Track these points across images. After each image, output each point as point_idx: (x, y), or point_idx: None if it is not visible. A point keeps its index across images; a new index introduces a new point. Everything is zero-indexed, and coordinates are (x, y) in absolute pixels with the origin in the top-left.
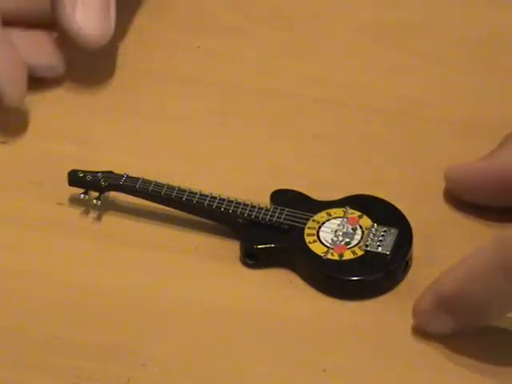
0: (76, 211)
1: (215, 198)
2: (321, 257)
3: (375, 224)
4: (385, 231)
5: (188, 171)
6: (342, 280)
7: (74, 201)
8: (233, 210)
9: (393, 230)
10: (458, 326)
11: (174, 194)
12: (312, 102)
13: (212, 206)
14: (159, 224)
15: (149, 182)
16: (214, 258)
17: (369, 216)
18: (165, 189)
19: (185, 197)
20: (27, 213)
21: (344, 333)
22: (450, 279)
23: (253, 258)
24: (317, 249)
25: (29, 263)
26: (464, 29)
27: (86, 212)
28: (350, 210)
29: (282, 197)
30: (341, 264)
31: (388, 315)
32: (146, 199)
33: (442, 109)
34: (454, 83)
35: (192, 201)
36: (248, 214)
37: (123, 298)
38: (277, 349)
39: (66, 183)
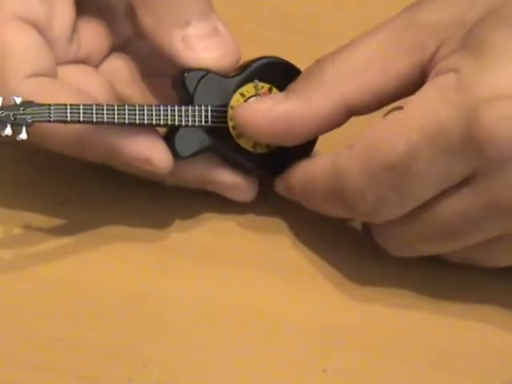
0: (76, 212)
1: (134, 107)
2: (252, 152)
3: None
4: None
5: None
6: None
7: (74, 201)
8: (155, 119)
9: None
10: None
11: (100, 112)
12: None
13: (134, 116)
14: (160, 224)
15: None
16: (215, 258)
17: (278, 86)
18: (94, 109)
19: (105, 113)
20: (27, 213)
21: (344, 333)
22: (294, 177)
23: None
24: (244, 143)
25: (28, 264)
26: None
27: (87, 212)
28: (260, 84)
29: (194, 80)
30: (271, 156)
31: (388, 315)
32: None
33: None
34: None
35: (113, 116)
36: (170, 120)
37: (123, 298)
38: (277, 349)
39: (67, 183)
